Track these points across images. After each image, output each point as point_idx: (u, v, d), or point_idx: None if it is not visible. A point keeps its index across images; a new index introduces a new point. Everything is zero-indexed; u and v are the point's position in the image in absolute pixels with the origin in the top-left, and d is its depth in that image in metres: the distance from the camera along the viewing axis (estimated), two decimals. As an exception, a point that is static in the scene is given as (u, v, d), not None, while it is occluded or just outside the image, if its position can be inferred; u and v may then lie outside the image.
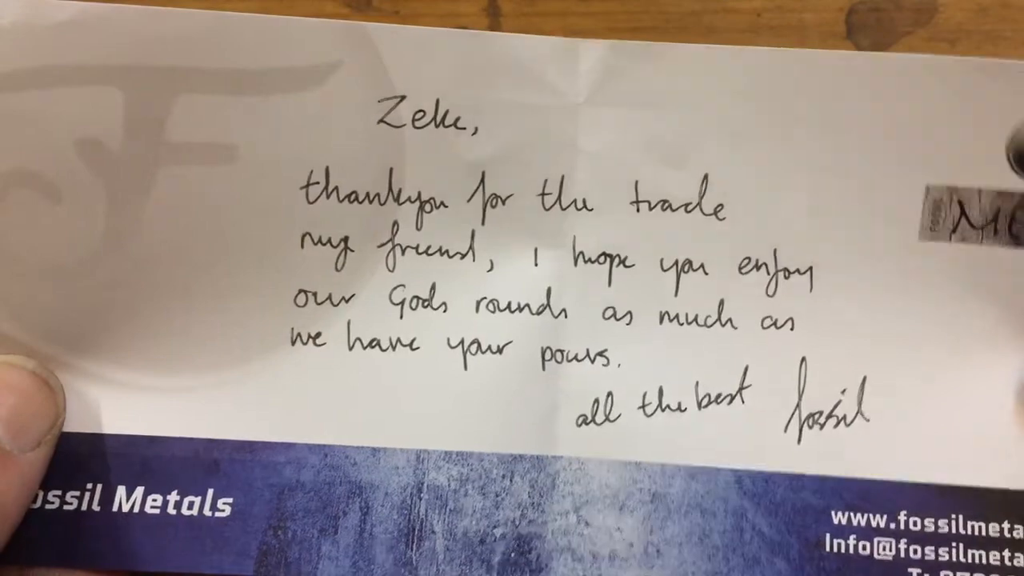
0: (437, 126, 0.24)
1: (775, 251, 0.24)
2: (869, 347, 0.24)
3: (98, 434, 0.24)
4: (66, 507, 0.23)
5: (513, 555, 0.24)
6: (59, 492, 0.23)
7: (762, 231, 0.24)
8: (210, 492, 0.24)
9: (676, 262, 0.25)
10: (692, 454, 0.24)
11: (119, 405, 0.24)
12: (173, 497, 0.24)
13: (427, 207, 0.24)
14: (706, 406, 0.24)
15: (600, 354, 0.25)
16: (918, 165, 0.24)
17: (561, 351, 0.25)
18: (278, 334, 0.24)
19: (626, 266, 0.25)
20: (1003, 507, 0.23)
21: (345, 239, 0.24)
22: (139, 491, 0.23)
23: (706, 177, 0.24)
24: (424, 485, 0.24)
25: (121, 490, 0.23)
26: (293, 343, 0.24)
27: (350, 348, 0.24)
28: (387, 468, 0.24)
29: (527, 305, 0.25)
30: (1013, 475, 0.23)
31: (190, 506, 0.24)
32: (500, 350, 0.25)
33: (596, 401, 0.25)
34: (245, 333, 0.24)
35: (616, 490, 0.24)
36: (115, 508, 0.23)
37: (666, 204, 0.24)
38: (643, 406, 0.25)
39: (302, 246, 0.24)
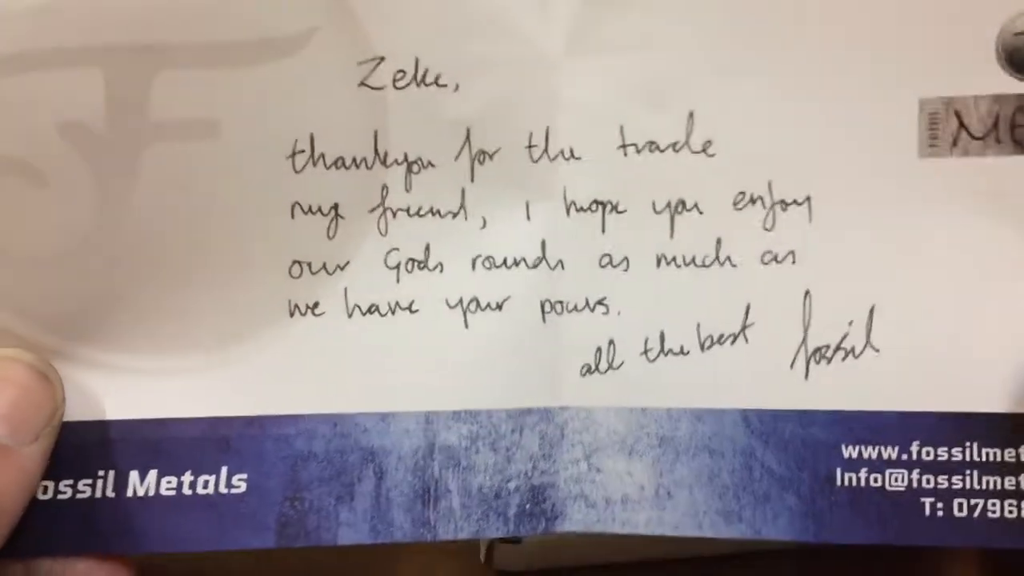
0: (418, 85, 0.24)
1: (770, 183, 0.24)
2: (875, 275, 0.23)
3: (104, 421, 0.24)
4: (79, 496, 0.23)
5: (528, 506, 0.24)
6: (70, 482, 0.23)
7: (755, 164, 0.24)
8: (223, 470, 0.24)
9: (669, 203, 0.24)
10: (697, 396, 0.24)
11: (123, 391, 0.24)
12: (187, 478, 0.24)
13: (415, 168, 0.24)
14: (709, 347, 0.24)
15: (599, 302, 0.25)
16: (908, 79, 0.23)
17: (560, 302, 0.25)
18: (275, 307, 0.24)
19: (618, 212, 0.24)
20: (1018, 432, 0.23)
21: (335, 206, 0.24)
22: (152, 474, 0.24)
23: (692, 114, 0.24)
24: (435, 446, 0.24)
25: (134, 475, 0.24)
26: (291, 315, 0.24)
27: (349, 316, 0.24)
28: (397, 432, 0.24)
29: (523, 259, 0.24)
30: (1020, 399, 0.23)
31: (205, 485, 0.24)
32: (499, 306, 0.24)
33: (599, 350, 0.25)
34: (242, 308, 0.24)
35: (624, 436, 0.24)
36: (130, 493, 0.24)
37: (654, 145, 0.24)
38: (646, 352, 0.24)
39: (292, 216, 0.24)
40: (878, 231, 0.23)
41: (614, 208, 0.24)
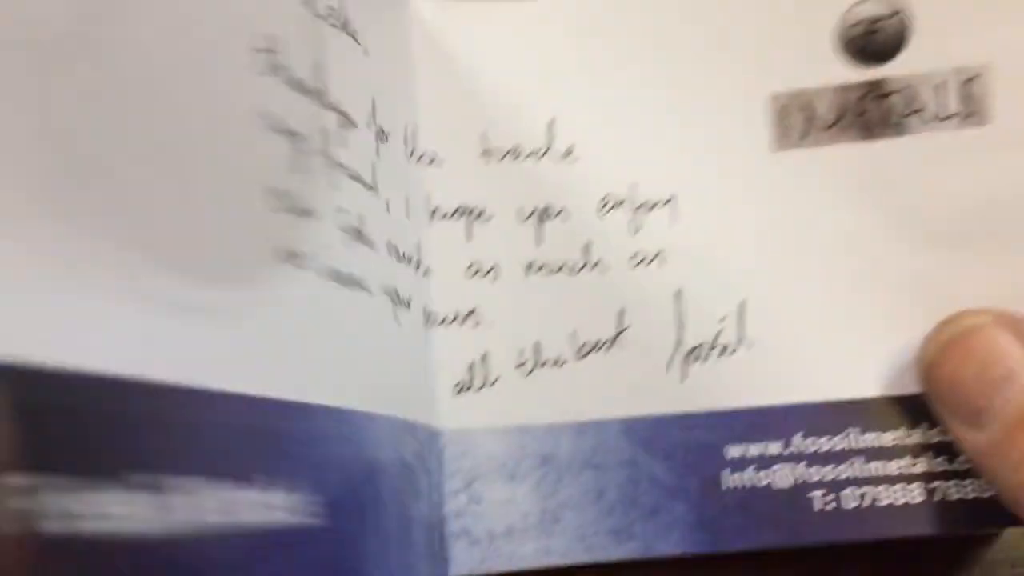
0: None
1: (633, 186, 0.24)
2: (742, 270, 0.23)
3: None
4: None
5: (436, 547, 0.22)
6: None
7: (617, 168, 0.24)
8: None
9: (535, 210, 0.23)
10: (577, 408, 0.23)
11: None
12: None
13: (343, 123, 0.20)
14: (585, 356, 0.23)
15: (469, 315, 0.23)
16: (758, 76, 0.23)
17: (430, 313, 0.23)
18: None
19: (483, 219, 0.23)
20: (895, 414, 0.23)
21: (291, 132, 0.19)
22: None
23: (553, 121, 0.23)
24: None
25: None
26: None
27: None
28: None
29: (411, 258, 0.23)
30: (896, 381, 0.23)
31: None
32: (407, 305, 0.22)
33: (471, 366, 0.23)
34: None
35: (503, 459, 0.23)
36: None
37: (516, 153, 0.23)
38: (521, 364, 0.23)
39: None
40: (739, 226, 0.23)
41: (479, 215, 0.23)
